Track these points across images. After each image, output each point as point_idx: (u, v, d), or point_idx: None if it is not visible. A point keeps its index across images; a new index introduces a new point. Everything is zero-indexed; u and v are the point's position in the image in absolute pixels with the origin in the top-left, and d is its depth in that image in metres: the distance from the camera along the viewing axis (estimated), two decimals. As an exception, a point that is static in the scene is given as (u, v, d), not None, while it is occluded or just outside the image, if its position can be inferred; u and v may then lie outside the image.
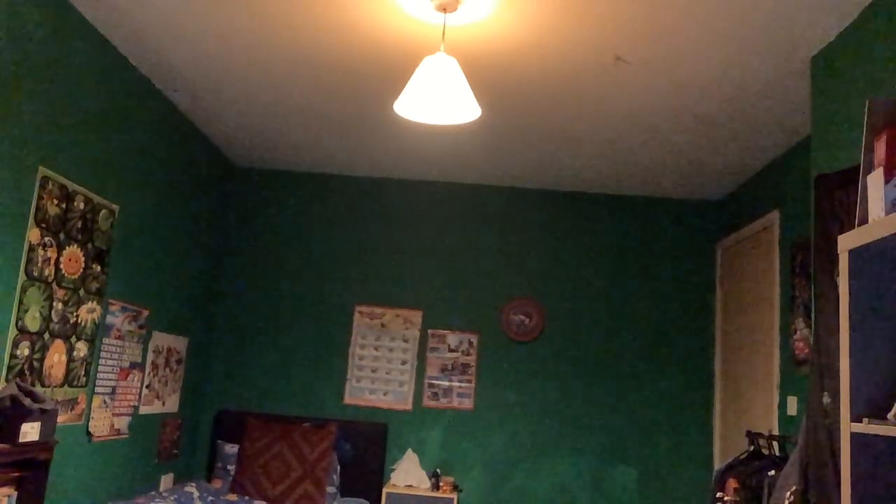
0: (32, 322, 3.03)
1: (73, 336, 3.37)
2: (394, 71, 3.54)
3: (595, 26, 2.97)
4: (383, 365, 5.12)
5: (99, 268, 3.55)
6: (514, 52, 3.25)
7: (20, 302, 2.93)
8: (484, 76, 3.52)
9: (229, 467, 4.70)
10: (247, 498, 4.35)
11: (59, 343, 3.24)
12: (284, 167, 5.35)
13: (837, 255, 1.88)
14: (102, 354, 3.67)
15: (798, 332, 3.76)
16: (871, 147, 1.85)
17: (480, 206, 5.32)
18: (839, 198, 2.64)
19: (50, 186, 3.09)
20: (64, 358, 3.30)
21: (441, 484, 4.76)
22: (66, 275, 3.26)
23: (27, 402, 2.62)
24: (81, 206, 3.36)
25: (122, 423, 3.91)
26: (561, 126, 4.07)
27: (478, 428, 5.04)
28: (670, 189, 5.08)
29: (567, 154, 4.53)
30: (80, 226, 3.35)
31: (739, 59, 3.15)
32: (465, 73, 3.48)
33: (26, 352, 3.00)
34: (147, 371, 4.18)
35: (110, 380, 3.76)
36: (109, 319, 3.71)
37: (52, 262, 3.15)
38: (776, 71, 3.24)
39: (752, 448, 3.67)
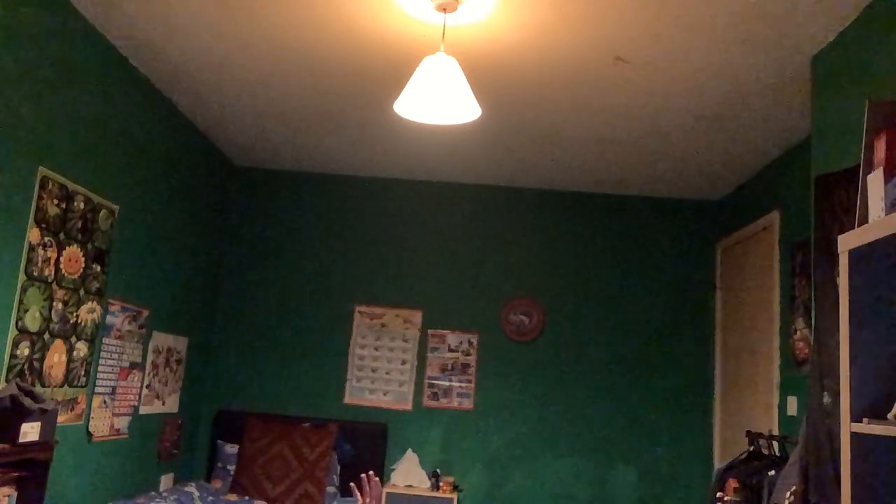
0: (32, 322, 3.03)
1: (73, 336, 3.37)
2: (394, 71, 3.54)
3: (595, 26, 2.98)
4: (383, 365, 5.12)
5: (99, 268, 3.55)
6: (513, 52, 3.25)
7: (20, 302, 2.93)
8: (484, 76, 3.52)
9: (229, 467, 4.70)
10: (247, 498, 4.35)
11: (59, 343, 3.24)
12: (284, 167, 5.35)
13: (837, 255, 1.88)
14: (102, 354, 3.67)
15: (798, 332, 3.76)
16: (871, 147, 1.85)
17: (480, 206, 5.32)
18: (839, 198, 2.64)
19: (50, 186, 3.09)
20: (64, 358, 3.30)
21: (441, 484, 4.76)
22: (66, 275, 3.26)
23: (27, 402, 2.62)
24: (81, 206, 3.36)
25: (122, 423, 3.91)
26: (561, 126, 4.07)
27: (478, 428, 5.04)
28: (670, 189, 5.08)
29: (567, 154, 4.53)
30: (80, 226, 3.35)
31: (739, 58, 3.15)
32: (465, 73, 3.48)
33: (26, 352, 3.00)
34: (147, 371, 4.18)
35: (110, 380, 3.76)
36: (109, 319, 3.71)
37: (52, 262, 3.15)
38: (776, 71, 3.23)
39: (752, 448, 3.67)
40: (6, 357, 2.87)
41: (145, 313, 4.10)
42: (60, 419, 3.28)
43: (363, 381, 5.10)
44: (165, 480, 4.51)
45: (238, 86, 3.89)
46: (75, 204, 3.31)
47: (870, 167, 1.84)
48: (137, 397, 4.08)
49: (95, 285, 3.53)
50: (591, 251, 5.24)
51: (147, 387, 4.20)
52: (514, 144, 4.43)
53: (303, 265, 5.27)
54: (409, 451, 4.95)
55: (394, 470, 4.89)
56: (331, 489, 4.62)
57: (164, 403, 4.43)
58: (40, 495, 2.72)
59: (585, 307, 5.16)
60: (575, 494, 4.92)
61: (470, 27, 3.05)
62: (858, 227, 1.82)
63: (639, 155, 4.44)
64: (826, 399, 2.52)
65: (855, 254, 1.81)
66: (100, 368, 3.64)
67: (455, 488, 4.80)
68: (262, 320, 5.22)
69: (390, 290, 5.22)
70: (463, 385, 5.08)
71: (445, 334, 5.15)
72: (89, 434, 3.58)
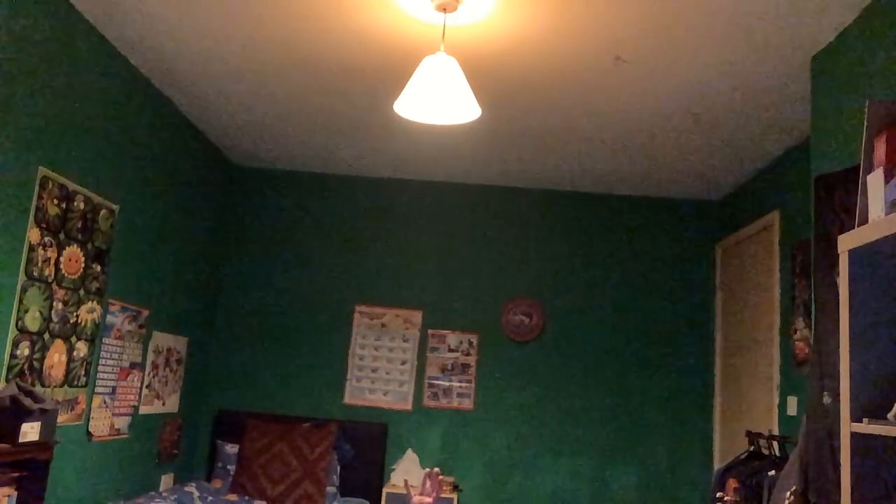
0: (32, 322, 3.03)
1: (73, 336, 3.37)
2: (394, 71, 3.54)
3: (595, 26, 2.98)
4: (383, 365, 5.12)
5: (99, 268, 3.55)
6: (513, 52, 3.25)
7: (20, 302, 2.93)
8: (484, 76, 3.52)
9: (229, 467, 4.70)
10: (247, 498, 4.35)
11: (59, 343, 3.24)
12: (284, 167, 5.35)
13: (837, 255, 1.88)
14: (102, 354, 3.67)
15: (798, 332, 3.76)
16: (871, 147, 1.85)
17: (480, 206, 5.32)
18: (839, 198, 2.64)
19: (50, 186, 3.09)
20: (64, 358, 3.30)
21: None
22: (66, 275, 3.26)
23: (27, 402, 2.62)
24: (81, 206, 3.36)
25: (122, 423, 3.91)
26: (561, 126, 4.07)
27: (478, 428, 5.04)
28: (670, 189, 5.08)
29: (567, 154, 4.53)
30: (80, 226, 3.35)
31: (739, 59, 3.15)
32: (465, 73, 3.48)
33: (26, 352, 3.00)
34: (147, 371, 4.18)
35: (110, 380, 3.76)
36: (109, 319, 3.71)
37: (52, 262, 3.15)
38: (776, 71, 3.23)
39: (752, 448, 3.67)
40: (6, 357, 2.87)
41: (145, 313, 4.10)
42: (60, 419, 3.28)
43: (363, 381, 5.10)
44: (165, 480, 4.51)
45: (238, 86, 3.89)
46: (75, 204, 3.31)
47: (870, 167, 1.84)
48: (137, 397, 4.08)
49: (95, 285, 3.53)
50: (591, 251, 5.24)
51: (147, 387, 4.20)
52: (514, 144, 4.43)
53: (303, 265, 5.27)
54: (409, 451, 4.95)
55: (394, 470, 4.89)
56: (331, 489, 4.62)
57: (164, 403, 4.43)
58: (40, 495, 2.72)
59: (585, 307, 5.16)
60: (575, 494, 4.92)
61: (470, 27, 3.05)
62: (858, 227, 1.82)
63: (639, 155, 4.44)
64: (826, 399, 2.52)
65: (855, 254, 1.81)
66: (100, 368, 3.64)
67: (455, 488, 4.80)
68: (262, 320, 5.22)
69: (390, 290, 5.22)
70: (463, 385, 5.08)
71: (445, 334, 5.15)
72: (89, 434, 3.58)
